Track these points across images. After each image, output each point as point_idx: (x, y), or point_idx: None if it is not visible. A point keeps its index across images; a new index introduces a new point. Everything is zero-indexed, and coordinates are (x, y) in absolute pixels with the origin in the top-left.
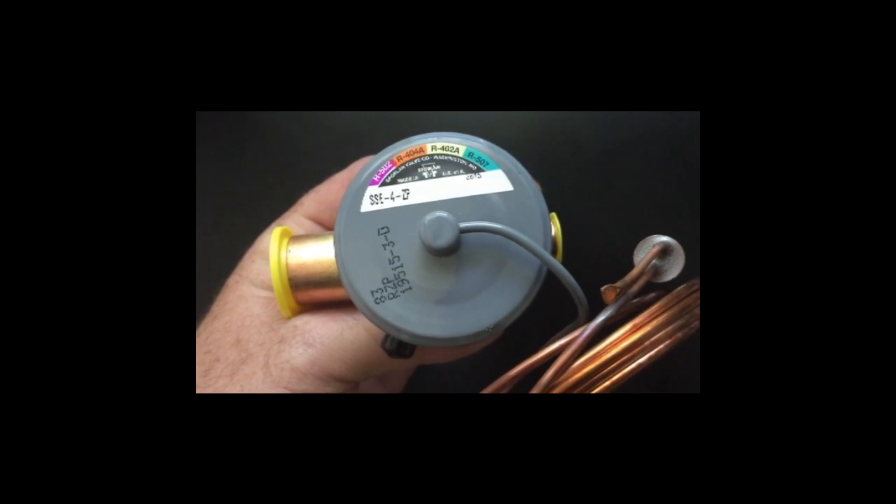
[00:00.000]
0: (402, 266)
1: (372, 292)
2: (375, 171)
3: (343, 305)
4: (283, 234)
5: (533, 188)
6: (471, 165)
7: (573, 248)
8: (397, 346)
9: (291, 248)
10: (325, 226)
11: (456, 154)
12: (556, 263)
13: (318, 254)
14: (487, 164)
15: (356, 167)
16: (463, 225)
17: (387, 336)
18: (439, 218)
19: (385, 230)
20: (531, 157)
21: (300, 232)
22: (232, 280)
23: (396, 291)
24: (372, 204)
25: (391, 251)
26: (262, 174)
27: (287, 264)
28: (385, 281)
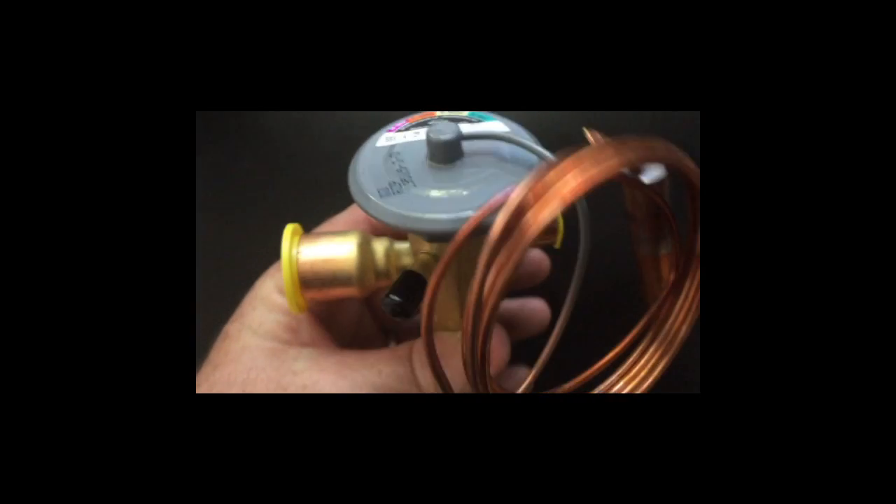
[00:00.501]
0: (408, 172)
1: (378, 190)
2: (391, 125)
3: (351, 306)
4: (294, 232)
5: (526, 131)
6: (473, 119)
7: (571, 248)
8: (401, 301)
9: (302, 245)
10: None
11: (461, 115)
12: (549, 154)
13: (330, 252)
14: (487, 118)
15: (356, 208)
16: (465, 132)
17: (388, 293)
18: (443, 123)
19: (396, 153)
20: None
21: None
22: (233, 329)
23: (401, 188)
24: (387, 141)
25: (399, 165)
26: (256, 180)
27: (297, 261)
28: (391, 183)
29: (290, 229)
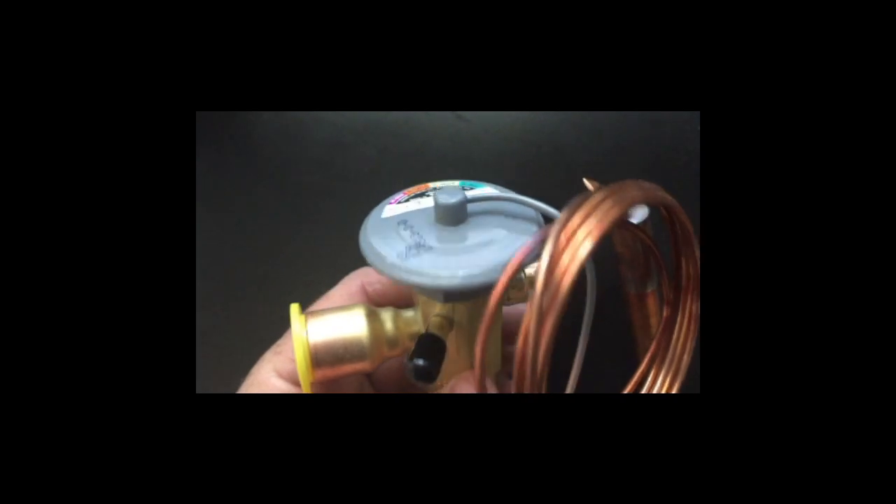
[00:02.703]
0: (421, 237)
1: (398, 254)
2: (391, 199)
3: (351, 382)
4: (300, 311)
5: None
6: (465, 188)
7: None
8: (426, 364)
9: (311, 323)
10: None
11: (453, 184)
12: (549, 208)
13: (340, 327)
14: (478, 185)
15: (350, 279)
16: (469, 195)
17: (410, 357)
18: (449, 187)
19: (404, 221)
20: (517, 162)
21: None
22: None
23: (420, 252)
24: (391, 212)
25: (411, 231)
26: (252, 182)
27: (308, 339)
28: (408, 247)
29: (296, 308)
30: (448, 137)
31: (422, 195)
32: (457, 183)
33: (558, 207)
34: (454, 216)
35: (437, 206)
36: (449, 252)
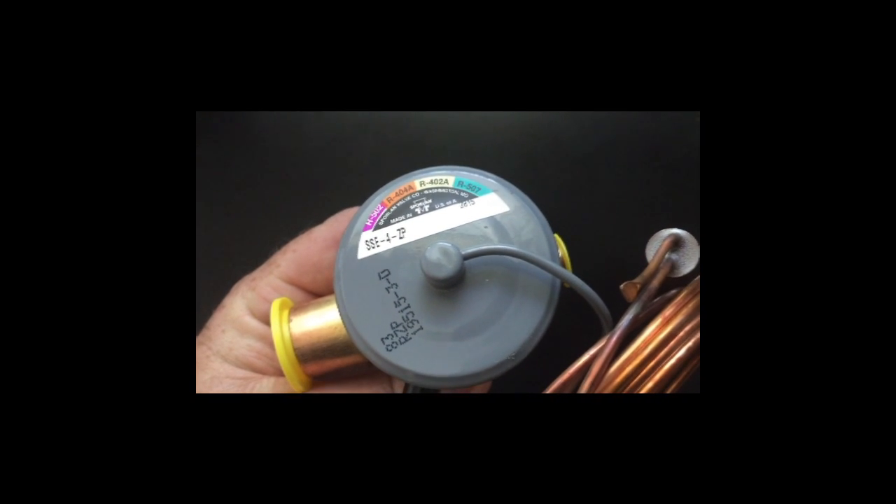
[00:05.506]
0: (409, 307)
1: (382, 340)
2: (367, 217)
3: (355, 373)
4: (283, 306)
5: (529, 203)
6: (462, 194)
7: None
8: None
9: (293, 318)
10: (306, 290)
11: (446, 185)
12: (569, 274)
13: (322, 321)
14: (479, 189)
15: (337, 220)
16: (465, 251)
17: (407, 385)
18: (440, 248)
19: (386, 273)
20: (516, 157)
21: (275, 296)
22: (200, 354)
23: (408, 334)
24: (368, 249)
25: (395, 293)
26: (250, 179)
27: (291, 336)
28: (394, 325)
29: (277, 303)
30: (447, 129)
31: (405, 210)
32: (451, 181)
33: (558, 205)
34: (447, 284)
35: (427, 276)
36: (441, 337)
